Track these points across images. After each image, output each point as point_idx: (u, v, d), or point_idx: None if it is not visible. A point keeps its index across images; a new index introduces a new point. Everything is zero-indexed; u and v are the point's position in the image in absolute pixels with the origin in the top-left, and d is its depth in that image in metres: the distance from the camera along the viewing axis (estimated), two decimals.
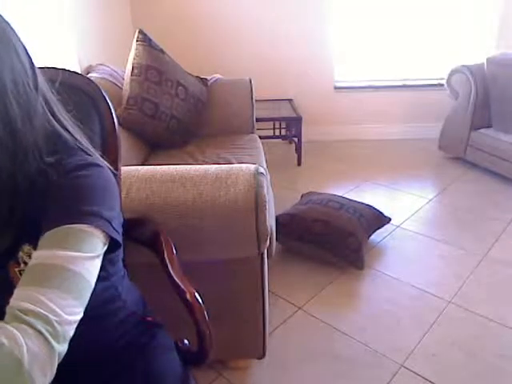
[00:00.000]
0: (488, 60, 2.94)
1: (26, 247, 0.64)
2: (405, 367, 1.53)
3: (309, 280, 1.99)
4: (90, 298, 0.60)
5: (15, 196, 0.62)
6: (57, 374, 0.54)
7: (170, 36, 3.05)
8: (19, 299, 0.54)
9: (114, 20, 3.03)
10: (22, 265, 0.63)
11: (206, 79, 2.44)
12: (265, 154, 2.24)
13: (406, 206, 2.63)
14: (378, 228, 2.26)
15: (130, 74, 2.13)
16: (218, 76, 2.54)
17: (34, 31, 2.07)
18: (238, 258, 1.25)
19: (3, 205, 0.62)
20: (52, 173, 0.63)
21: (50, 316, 0.53)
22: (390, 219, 2.30)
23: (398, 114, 3.68)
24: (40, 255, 0.58)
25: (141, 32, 2.18)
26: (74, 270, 0.58)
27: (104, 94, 0.95)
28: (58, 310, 0.54)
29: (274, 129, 3.29)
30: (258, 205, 1.17)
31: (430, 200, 2.72)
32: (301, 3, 3.35)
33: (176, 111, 2.20)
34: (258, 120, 2.57)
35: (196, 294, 0.88)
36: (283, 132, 3.38)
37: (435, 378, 1.48)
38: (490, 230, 2.37)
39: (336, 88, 3.61)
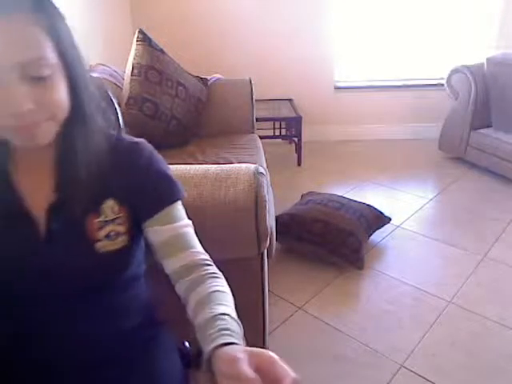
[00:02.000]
0: (488, 60, 2.94)
1: (111, 201, 0.73)
2: (405, 367, 1.53)
3: (309, 280, 1.99)
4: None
5: (94, 155, 0.71)
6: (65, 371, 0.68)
7: (170, 36, 3.04)
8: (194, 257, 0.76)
9: (114, 20, 3.03)
10: (102, 216, 0.72)
11: (206, 79, 2.44)
12: (265, 153, 2.24)
13: (406, 206, 2.63)
14: (378, 228, 2.26)
15: (130, 74, 2.13)
16: (218, 76, 2.54)
17: None
18: (237, 258, 1.25)
19: (88, 161, 0.70)
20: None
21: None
22: (389, 219, 2.30)
23: (398, 113, 3.68)
24: (169, 228, 0.76)
25: (141, 32, 2.18)
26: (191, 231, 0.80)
27: (108, 92, 0.95)
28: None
29: (274, 129, 3.28)
30: (257, 205, 1.17)
31: (430, 200, 2.72)
32: (301, 3, 3.35)
33: (176, 111, 2.20)
34: (258, 120, 2.57)
35: None
36: (283, 132, 3.37)
37: (435, 378, 1.48)
38: (490, 230, 2.37)
39: (336, 88, 3.61)
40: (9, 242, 0.68)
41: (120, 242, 0.74)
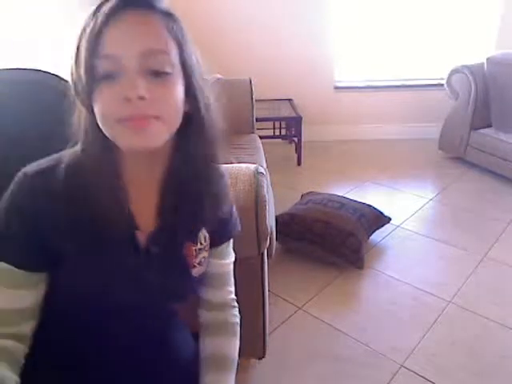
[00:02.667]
0: (488, 60, 2.94)
1: (204, 231, 0.77)
2: (405, 367, 1.53)
3: (309, 280, 1.99)
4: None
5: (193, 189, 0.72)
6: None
7: None
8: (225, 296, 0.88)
9: None
10: (199, 244, 0.76)
11: (205, 79, 2.44)
12: (265, 153, 2.24)
13: (406, 206, 2.63)
14: (378, 228, 2.26)
15: None
16: (217, 76, 2.54)
17: (37, 32, 2.07)
18: (237, 258, 1.24)
19: (194, 199, 0.72)
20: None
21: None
22: (390, 219, 2.30)
23: (398, 113, 3.68)
24: (217, 264, 0.84)
25: None
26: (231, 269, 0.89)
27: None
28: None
29: (274, 129, 3.29)
30: (257, 204, 1.17)
31: (430, 200, 2.72)
32: (301, 3, 3.35)
33: None
34: (257, 120, 2.57)
35: None
36: (283, 132, 3.38)
37: (435, 378, 1.48)
38: (490, 230, 2.37)
39: (336, 88, 3.61)
40: (112, 254, 0.69)
41: (205, 266, 0.80)
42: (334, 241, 2.03)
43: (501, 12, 3.37)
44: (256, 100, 2.49)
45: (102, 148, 0.65)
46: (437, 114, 3.41)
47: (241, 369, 1.52)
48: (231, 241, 0.87)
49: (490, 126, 2.99)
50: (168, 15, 0.64)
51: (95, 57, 0.59)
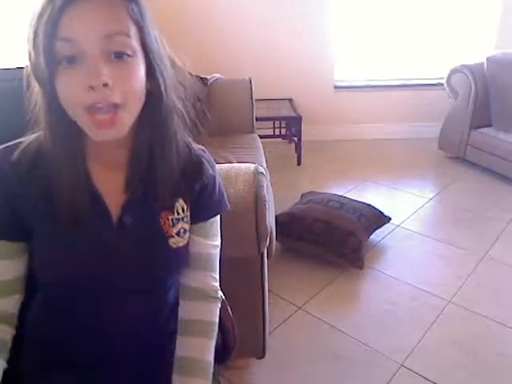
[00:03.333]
0: (488, 59, 2.93)
1: (181, 201, 0.77)
2: (405, 367, 1.53)
3: (309, 280, 1.99)
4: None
5: (172, 163, 0.74)
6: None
7: (169, 35, 3.04)
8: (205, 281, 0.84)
9: None
10: (176, 214, 0.76)
11: (205, 79, 2.44)
12: (265, 153, 2.24)
13: (406, 206, 2.63)
14: (378, 227, 2.26)
15: None
16: (217, 75, 2.54)
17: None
18: (237, 258, 1.24)
19: (169, 169, 0.74)
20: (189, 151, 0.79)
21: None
22: (389, 219, 2.30)
23: (398, 113, 3.68)
24: (201, 243, 0.81)
25: None
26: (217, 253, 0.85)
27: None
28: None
29: (273, 128, 3.28)
30: (257, 204, 1.17)
31: (430, 199, 2.72)
32: (301, 3, 3.35)
33: None
34: (257, 119, 2.57)
35: (219, 292, 0.92)
36: (283, 131, 3.37)
37: (435, 378, 1.48)
38: (490, 230, 2.37)
39: (336, 87, 3.61)
40: (88, 230, 0.70)
41: (186, 238, 0.79)
42: (334, 240, 2.03)
43: (500, 12, 3.36)
44: (256, 100, 2.49)
45: (64, 130, 0.66)
46: (437, 114, 3.41)
47: (240, 369, 1.53)
48: (217, 221, 0.84)
49: (489, 125, 2.99)
50: None
51: (55, 40, 0.58)
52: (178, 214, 0.77)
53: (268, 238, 1.24)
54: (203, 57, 3.33)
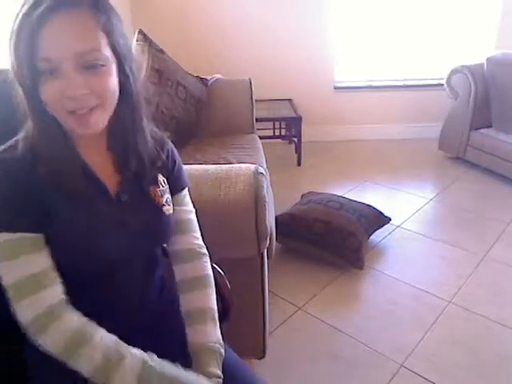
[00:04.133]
0: (488, 60, 2.94)
1: (161, 176, 0.89)
2: (405, 367, 1.53)
3: (309, 280, 1.99)
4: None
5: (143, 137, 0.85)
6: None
7: (169, 36, 3.05)
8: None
9: None
10: (161, 186, 0.88)
11: (205, 79, 2.44)
12: (265, 154, 2.24)
13: (406, 206, 2.63)
14: (378, 228, 2.26)
15: None
16: (217, 76, 2.54)
17: None
18: (237, 258, 1.25)
19: (148, 148, 0.85)
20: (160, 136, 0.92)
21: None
22: (389, 219, 2.30)
23: (398, 114, 3.68)
24: (180, 210, 0.93)
25: (140, 32, 2.18)
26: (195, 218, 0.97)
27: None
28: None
29: (273, 129, 3.28)
30: (257, 204, 1.17)
31: (430, 200, 2.72)
32: (301, 3, 3.35)
33: (176, 111, 2.20)
34: (257, 120, 2.57)
35: (214, 265, 1.02)
36: (283, 132, 3.37)
37: (435, 378, 1.48)
38: (491, 230, 2.37)
39: (336, 88, 3.61)
40: (94, 211, 0.78)
41: (171, 207, 0.90)
42: (334, 241, 2.03)
43: (500, 12, 3.37)
44: (256, 100, 2.49)
45: (50, 126, 0.73)
46: (437, 114, 3.41)
47: None
48: (187, 192, 0.97)
49: (489, 126, 2.99)
50: (95, 6, 0.70)
51: (35, 59, 0.66)
52: (163, 186, 0.89)
53: (268, 239, 1.25)
54: (203, 58, 3.34)
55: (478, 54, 3.28)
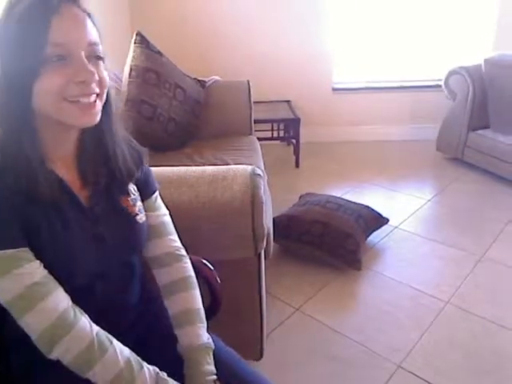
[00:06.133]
0: (485, 61, 2.94)
1: (131, 185, 0.88)
2: (402, 368, 1.53)
3: (306, 281, 1.99)
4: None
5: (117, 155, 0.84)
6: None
7: (168, 38, 3.05)
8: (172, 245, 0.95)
9: (113, 22, 3.04)
10: (132, 195, 0.88)
11: (204, 81, 2.44)
12: (263, 155, 2.24)
13: (404, 207, 2.64)
14: (376, 229, 2.26)
15: (127, 76, 2.13)
16: (216, 78, 2.55)
17: None
18: (234, 259, 1.25)
19: (122, 156, 0.85)
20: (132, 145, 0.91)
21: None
22: (388, 220, 2.31)
23: (396, 115, 3.68)
24: (152, 215, 0.92)
25: (139, 34, 2.19)
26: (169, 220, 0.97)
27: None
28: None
29: (272, 130, 3.29)
30: (254, 206, 1.17)
31: (428, 201, 2.73)
32: (299, 5, 3.36)
33: (174, 113, 2.20)
34: (256, 122, 2.57)
35: (203, 260, 1.04)
36: (281, 133, 3.38)
37: (433, 379, 1.48)
38: (489, 231, 2.37)
39: (334, 89, 3.62)
40: (73, 225, 0.77)
41: (144, 214, 0.90)
42: (332, 242, 2.04)
43: (498, 13, 3.38)
44: (254, 102, 2.49)
45: (31, 138, 0.71)
46: (434, 115, 3.42)
47: None
48: (158, 195, 0.96)
49: (487, 127, 3.00)
50: (82, 5, 0.74)
51: (45, 43, 0.67)
52: (134, 194, 0.88)
53: (265, 240, 1.25)
54: (202, 59, 3.35)
55: (475, 55, 3.29)
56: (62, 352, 0.71)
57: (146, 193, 0.93)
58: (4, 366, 0.82)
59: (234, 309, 1.33)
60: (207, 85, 2.45)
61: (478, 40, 3.50)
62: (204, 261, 1.02)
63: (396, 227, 2.41)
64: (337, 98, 3.63)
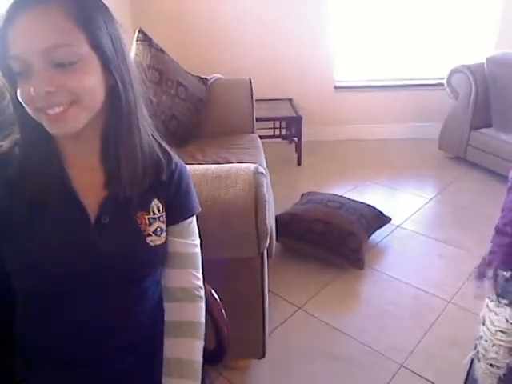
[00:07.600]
0: (488, 59, 2.93)
1: (156, 201, 0.80)
2: (405, 367, 1.53)
3: (309, 280, 1.99)
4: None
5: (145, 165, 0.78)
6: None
7: (169, 35, 3.04)
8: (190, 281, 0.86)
9: None
10: (151, 214, 0.79)
11: (206, 79, 2.43)
12: (265, 153, 2.24)
13: (406, 206, 2.63)
14: (378, 228, 2.26)
15: None
16: (217, 75, 2.54)
17: None
18: (237, 258, 1.25)
19: (133, 166, 0.76)
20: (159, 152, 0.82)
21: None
22: (390, 219, 2.30)
23: (398, 113, 3.67)
24: (180, 243, 0.84)
25: (141, 31, 2.18)
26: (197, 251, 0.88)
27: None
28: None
29: (274, 128, 3.28)
30: (257, 204, 1.17)
31: (430, 200, 2.72)
32: (301, 2, 3.35)
33: (176, 111, 2.20)
34: (257, 120, 2.56)
35: (212, 291, 0.94)
36: (283, 132, 3.37)
37: (435, 378, 1.48)
38: (490, 230, 2.34)
39: (336, 88, 3.61)
40: (65, 230, 0.73)
41: (163, 237, 0.81)
42: (334, 241, 2.03)
43: (501, 12, 3.36)
44: (256, 100, 2.48)
45: (35, 133, 0.70)
46: (437, 114, 3.41)
47: (240, 369, 1.53)
48: (194, 221, 0.87)
49: (490, 125, 2.99)
50: (68, 3, 0.65)
51: (7, 58, 0.64)
52: (154, 213, 0.80)
53: (268, 238, 1.24)
54: (203, 57, 3.34)
55: (478, 53, 3.28)
56: None
57: (176, 216, 0.83)
58: (4, 366, 0.82)
59: (236, 307, 1.33)
60: (209, 83, 2.44)
61: (480, 38, 3.49)
62: (212, 291, 0.94)
63: (398, 226, 2.41)
64: (339, 97, 3.62)
